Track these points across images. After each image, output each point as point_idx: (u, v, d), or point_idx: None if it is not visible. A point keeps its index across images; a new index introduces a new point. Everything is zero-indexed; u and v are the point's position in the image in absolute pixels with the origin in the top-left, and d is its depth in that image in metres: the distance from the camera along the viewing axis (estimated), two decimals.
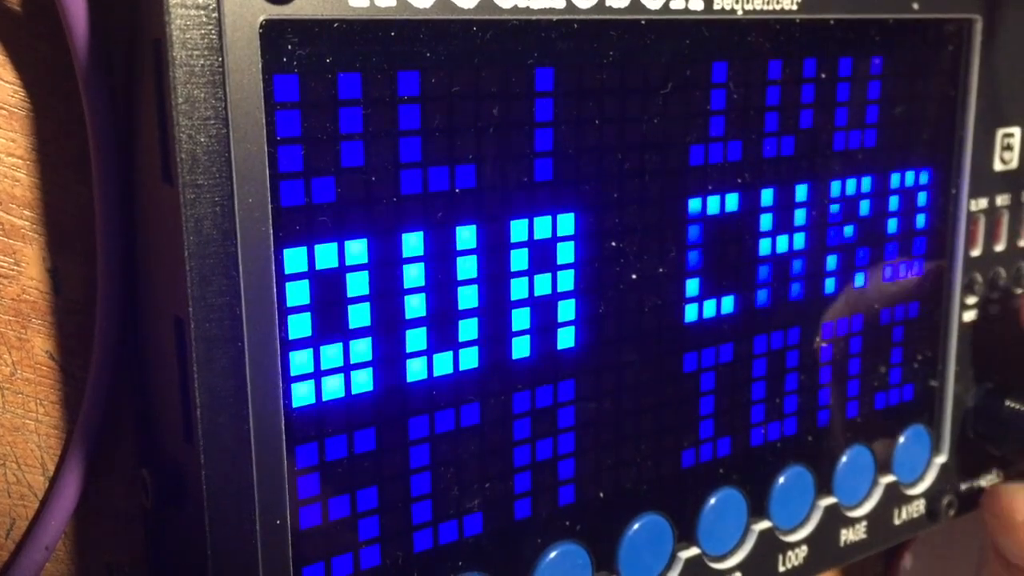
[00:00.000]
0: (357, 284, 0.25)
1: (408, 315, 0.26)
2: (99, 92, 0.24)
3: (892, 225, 0.36)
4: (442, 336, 0.26)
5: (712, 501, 0.33)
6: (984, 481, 0.40)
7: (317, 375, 0.25)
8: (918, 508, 0.39)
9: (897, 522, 0.38)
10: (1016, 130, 0.38)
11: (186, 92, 0.21)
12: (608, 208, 0.29)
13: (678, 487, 0.32)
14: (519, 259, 0.27)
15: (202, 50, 0.21)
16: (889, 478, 0.37)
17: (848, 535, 0.36)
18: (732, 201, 0.31)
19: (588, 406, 0.29)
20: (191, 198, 0.22)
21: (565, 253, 0.28)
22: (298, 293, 0.24)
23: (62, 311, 0.26)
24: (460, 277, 0.26)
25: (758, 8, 0.30)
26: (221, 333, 0.23)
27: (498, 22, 0.25)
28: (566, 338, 0.29)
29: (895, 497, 0.38)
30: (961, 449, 0.39)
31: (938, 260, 0.37)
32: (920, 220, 0.36)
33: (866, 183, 0.34)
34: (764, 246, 0.32)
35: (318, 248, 0.24)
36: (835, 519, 0.36)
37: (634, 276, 0.29)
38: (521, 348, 0.28)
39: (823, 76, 0.32)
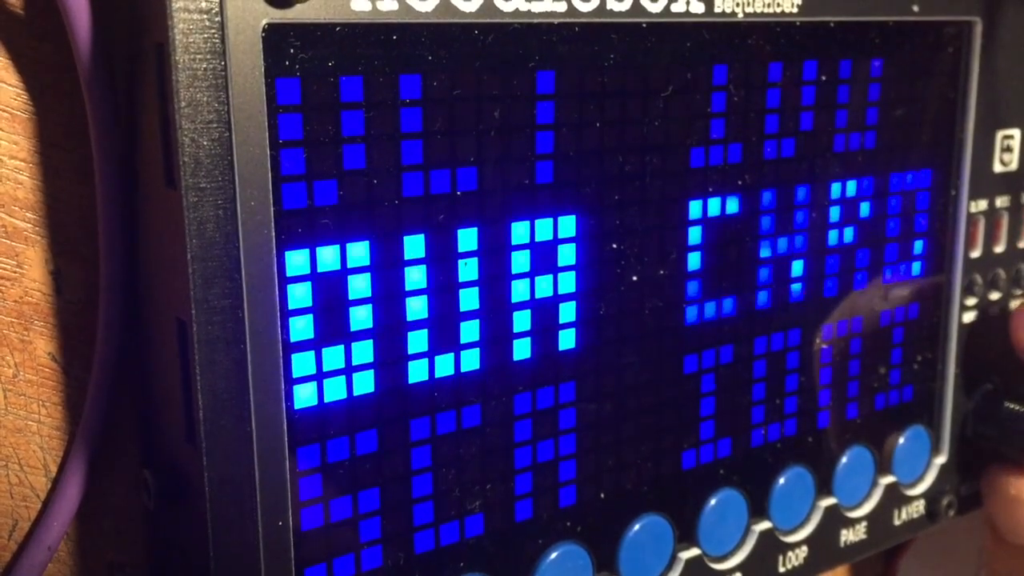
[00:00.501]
0: (359, 286, 0.25)
1: (409, 317, 0.26)
2: (102, 95, 0.24)
3: (892, 227, 0.36)
4: (443, 338, 0.26)
5: (712, 502, 0.33)
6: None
7: (319, 377, 0.25)
8: (918, 508, 0.39)
9: (897, 523, 0.38)
10: (1016, 132, 0.38)
11: (189, 96, 0.21)
12: (609, 210, 0.29)
13: (679, 488, 0.32)
14: (520, 261, 0.27)
15: (205, 54, 0.21)
16: (889, 479, 0.37)
17: (848, 536, 0.37)
18: (732, 203, 0.31)
19: (589, 407, 0.29)
20: (194, 201, 0.22)
21: (566, 255, 0.28)
22: (300, 295, 0.24)
23: (64, 313, 0.26)
24: (461, 279, 0.26)
25: (758, 11, 0.30)
26: (223, 335, 0.23)
27: (499, 25, 0.26)
28: (567, 340, 0.29)
29: (895, 498, 0.38)
30: (961, 450, 0.39)
31: (938, 261, 0.37)
32: (920, 222, 0.36)
33: (866, 185, 0.34)
34: (764, 248, 0.32)
35: (320, 250, 0.24)
36: (835, 520, 0.36)
37: (635, 278, 0.30)
38: (522, 350, 0.28)
39: (823, 78, 0.32)
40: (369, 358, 0.25)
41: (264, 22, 0.22)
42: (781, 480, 0.34)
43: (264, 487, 0.24)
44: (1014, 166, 0.38)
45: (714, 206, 0.31)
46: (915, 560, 0.47)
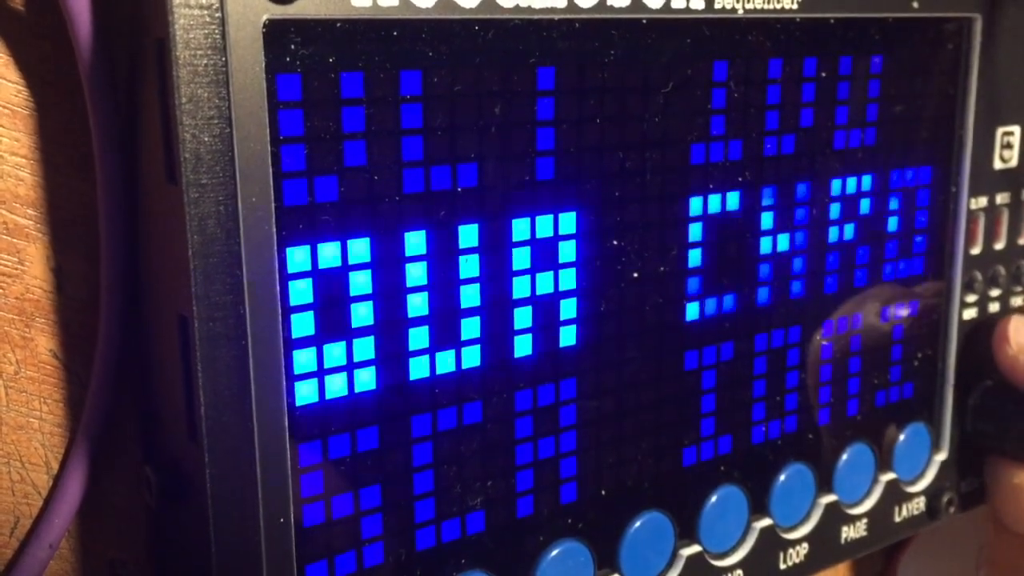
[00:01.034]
0: (360, 283, 0.25)
1: (411, 314, 0.26)
2: (103, 92, 0.24)
3: (892, 223, 0.36)
4: (444, 335, 0.26)
5: (713, 499, 0.33)
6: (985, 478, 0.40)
7: (320, 373, 0.25)
8: (918, 505, 0.39)
9: (897, 519, 0.38)
10: (1016, 128, 0.38)
11: (190, 92, 0.21)
12: (609, 207, 0.29)
13: (679, 485, 0.32)
14: (521, 258, 0.27)
15: (205, 50, 0.21)
16: (889, 476, 0.37)
17: (849, 532, 0.37)
18: (733, 200, 0.31)
19: (590, 404, 0.29)
20: (195, 197, 0.22)
21: (567, 252, 0.28)
22: (301, 292, 0.24)
23: (66, 310, 0.26)
24: (462, 276, 0.26)
25: (759, 7, 0.30)
26: (225, 331, 0.23)
27: (500, 21, 0.26)
28: (568, 336, 0.29)
29: (895, 494, 0.38)
30: (961, 447, 0.39)
31: (938, 258, 0.37)
32: (920, 219, 0.36)
33: (866, 181, 0.34)
34: (765, 244, 0.32)
35: (321, 247, 0.24)
36: (836, 516, 0.36)
37: (635, 274, 0.30)
38: (523, 346, 0.28)
39: (823, 75, 0.32)
40: (370, 355, 0.25)
41: (265, 18, 0.22)
42: (782, 477, 0.34)
43: (266, 484, 0.24)
44: (1014, 163, 0.38)
45: (714, 203, 0.31)
46: (915, 558, 0.47)
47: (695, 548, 0.32)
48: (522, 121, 0.27)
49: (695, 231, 0.31)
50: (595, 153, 0.28)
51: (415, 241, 0.25)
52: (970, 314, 0.38)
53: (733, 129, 0.31)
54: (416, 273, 0.26)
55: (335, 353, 0.25)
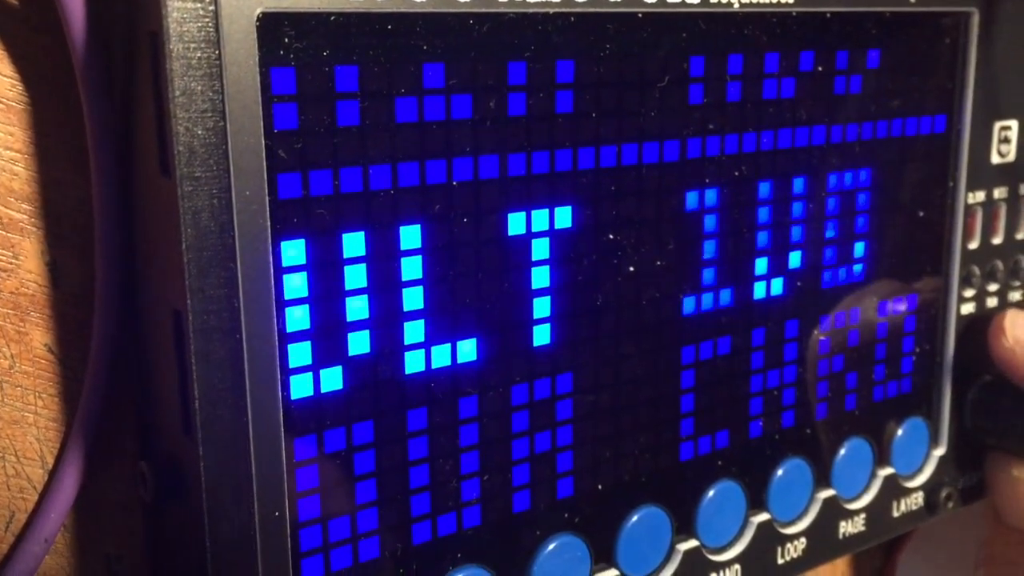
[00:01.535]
0: (355, 276, 0.25)
1: (406, 307, 0.26)
2: (97, 85, 0.24)
3: (890, 217, 0.36)
4: (440, 328, 0.26)
5: (711, 493, 0.33)
6: (983, 473, 0.40)
7: (315, 367, 0.25)
8: (916, 500, 0.39)
9: (896, 514, 0.38)
10: (1013, 123, 0.38)
11: (183, 85, 0.21)
12: (606, 201, 0.29)
13: (677, 479, 0.32)
14: (517, 252, 0.27)
15: (199, 43, 0.21)
16: (887, 470, 0.37)
17: (847, 527, 0.36)
18: (730, 193, 0.31)
19: (586, 398, 0.29)
20: (189, 191, 0.22)
21: (563, 245, 0.28)
22: (296, 285, 0.24)
23: (60, 304, 0.26)
24: (458, 270, 0.26)
25: (755, 1, 0.30)
26: (219, 325, 0.23)
27: (495, 15, 0.26)
28: (565, 330, 0.29)
29: (894, 489, 0.38)
30: (959, 442, 0.39)
31: (936, 253, 0.37)
32: (918, 213, 0.36)
33: (864, 176, 0.34)
34: (761, 238, 0.32)
35: (316, 240, 0.24)
36: (834, 511, 0.36)
37: (632, 269, 0.30)
38: (520, 341, 0.28)
39: (820, 69, 0.32)
40: (366, 348, 0.25)
41: (258, 11, 0.22)
42: (779, 472, 0.34)
43: (260, 478, 0.24)
44: (1011, 157, 0.38)
45: (711, 196, 0.31)
46: (915, 553, 0.47)
47: (692, 543, 0.32)
48: (517, 115, 0.26)
49: (692, 224, 0.31)
50: (591, 147, 0.28)
51: (410, 235, 0.25)
52: (968, 309, 0.38)
53: (730, 123, 0.31)
54: (411, 267, 0.26)
55: (330, 347, 0.25)
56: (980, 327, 0.39)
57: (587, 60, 0.27)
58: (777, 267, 0.33)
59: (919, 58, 0.35)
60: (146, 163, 0.23)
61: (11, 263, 0.25)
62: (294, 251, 0.24)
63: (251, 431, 0.23)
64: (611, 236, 0.29)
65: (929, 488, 0.39)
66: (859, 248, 0.35)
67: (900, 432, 0.38)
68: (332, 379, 0.25)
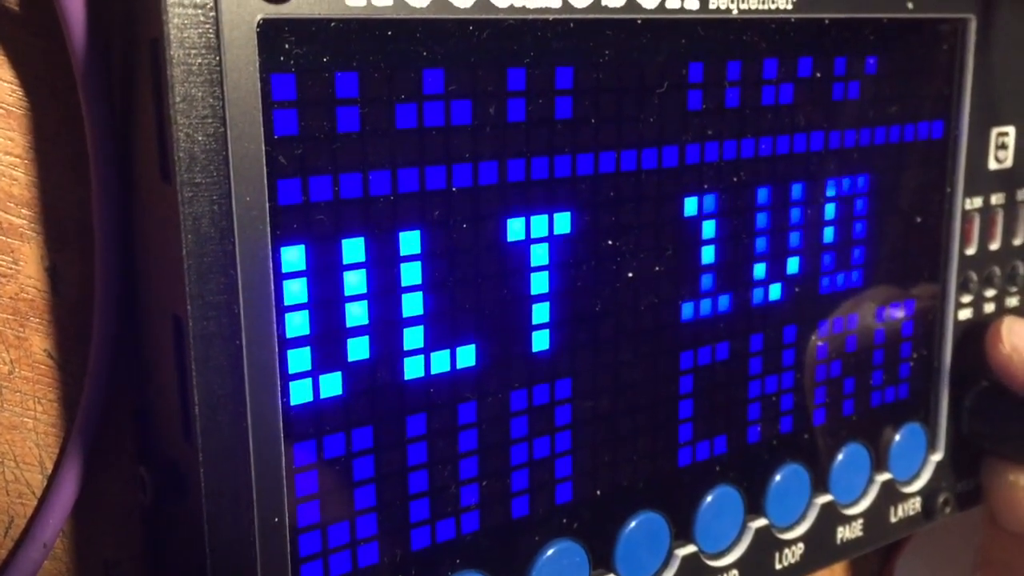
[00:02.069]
0: (354, 282, 0.25)
1: (405, 313, 0.26)
2: (97, 91, 0.24)
3: (888, 223, 0.36)
4: (439, 334, 0.26)
5: (709, 499, 0.33)
6: (980, 480, 0.40)
7: (315, 373, 0.25)
8: (914, 506, 0.39)
9: (893, 520, 0.38)
10: (1010, 129, 0.38)
11: (184, 91, 0.21)
12: (605, 207, 0.29)
13: (675, 485, 0.32)
14: (516, 257, 0.27)
15: (200, 49, 0.21)
16: (885, 476, 0.37)
17: (844, 533, 0.37)
18: (728, 199, 0.31)
19: (585, 404, 0.29)
20: (189, 196, 0.22)
21: (562, 251, 0.28)
22: (295, 291, 0.24)
23: (60, 309, 0.26)
24: (457, 275, 0.26)
25: (753, 7, 0.30)
26: (219, 331, 0.23)
27: (494, 21, 0.26)
28: (563, 336, 0.29)
29: (891, 495, 0.38)
30: (956, 447, 0.39)
31: (933, 259, 0.37)
32: (915, 219, 0.36)
33: (861, 182, 0.34)
34: (760, 244, 0.32)
35: (316, 247, 0.24)
36: (831, 517, 0.36)
37: (631, 274, 0.30)
38: (519, 346, 0.28)
39: (818, 75, 0.32)
40: (365, 354, 0.25)
41: (259, 17, 0.22)
42: (777, 477, 0.34)
43: (260, 483, 0.24)
44: (1009, 163, 0.38)
45: (710, 202, 0.31)
46: (912, 558, 0.47)
47: (690, 548, 0.32)
48: (517, 120, 0.27)
49: (691, 230, 0.31)
50: (590, 152, 0.28)
51: (410, 240, 0.25)
52: (965, 315, 0.38)
53: (728, 128, 0.31)
54: (411, 272, 0.26)
55: (329, 352, 0.25)
56: (977, 333, 0.39)
57: (586, 66, 0.27)
58: (775, 273, 0.33)
59: (917, 64, 0.35)
60: (146, 169, 0.23)
61: (11, 268, 0.25)
62: (294, 257, 0.24)
63: (251, 436, 0.23)
64: (610, 242, 0.29)
65: (926, 493, 0.39)
66: (857, 254, 0.35)
67: (898, 438, 0.38)
68: (332, 385, 0.25)
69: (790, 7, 0.31)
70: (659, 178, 0.30)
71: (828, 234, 0.34)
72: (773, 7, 0.30)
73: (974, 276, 0.38)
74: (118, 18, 0.24)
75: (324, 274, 0.24)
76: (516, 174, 0.27)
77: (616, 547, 0.31)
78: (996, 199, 0.38)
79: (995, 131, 0.38)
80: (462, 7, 0.25)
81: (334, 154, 0.24)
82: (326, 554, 0.26)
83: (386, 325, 0.25)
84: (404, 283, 0.26)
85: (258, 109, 0.22)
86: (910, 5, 0.34)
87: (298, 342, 0.24)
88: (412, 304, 0.26)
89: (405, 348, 0.26)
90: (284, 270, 0.24)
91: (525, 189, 0.27)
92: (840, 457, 0.36)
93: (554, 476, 0.29)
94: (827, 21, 0.32)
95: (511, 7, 0.26)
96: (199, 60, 0.22)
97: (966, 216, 0.37)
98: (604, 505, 0.31)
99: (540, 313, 0.28)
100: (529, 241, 0.27)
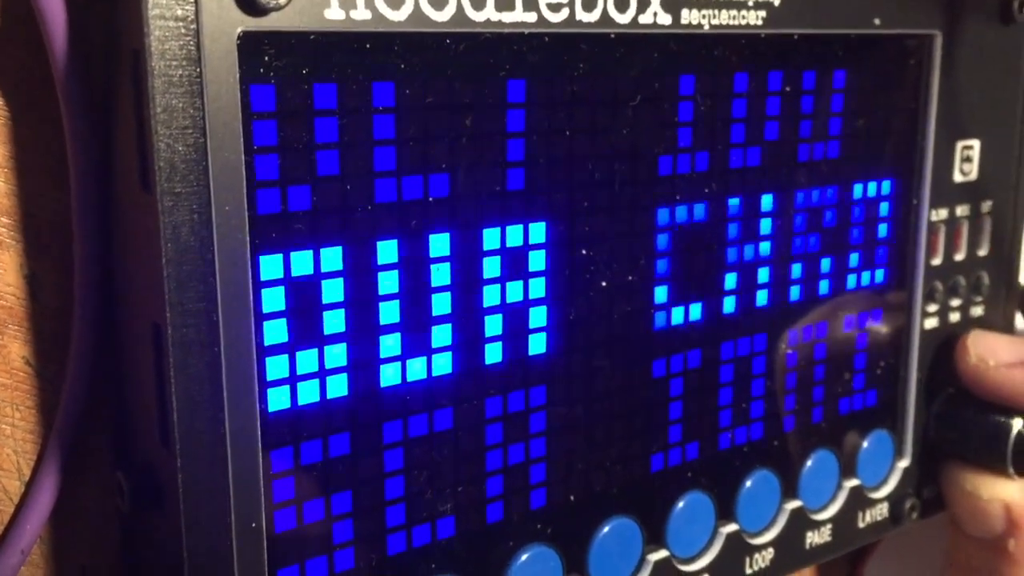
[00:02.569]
0: (332, 291, 0.25)
1: (382, 321, 0.26)
2: (78, 100, 0.24)
3: (855, 235, 0.36)
4: (416, 342, 0.27)
5: (680, 504, 0.33)
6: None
7: (293, 380, 0.25)
8: (882, 511, 0.39)
9: (861, 525, 0.39)
10: (975, 142, 0.39)
11: (164, 102, 0.22)
12: (579, 217, 0.29)
13: (647, 491, 0.33)
14: (491, 267, 0.28)
15: (180, 60, 0.22)
16: (853, 482, 0.38)
17: (814, 537, 0.37)
18: (700, 210, 0.32)
19: (559, 411, 0.30)
20: (169, 206, 0.22)
21: (537, 261, 0.29)
22: (274, 299, 0.24)
23: (39, 317, 0.26)
24: (434, 284, 0.27)
25: (724, 23, 0.31)
26: (198, 339, 0.23)
27: (471, 35, 0.26)
28: (538, 344, 0.29)
29: (859, 500, 0.38)
30: (923, 453, 0.40)
31: (900, 269, 0.38)
32: (882, 230, 0.37)
33: (830, 193, 0.35)
34: (731, 254, 0.33)
35: (294, 255, 0.24)
36: (801, 522, 0.37)
37: (604, 284, 0.30)
38: (494, 354, 0.28)
39: (788, 89, 0.33)
40: (342, 362, 0.26)
41: (239, 30, 0.22)
42: (748, 483, 0.35)
43: (238, 489, 0.24)
44: (974, 176, 0.39)
45: (682, 213, 0.31)
46: (880, 563, 0.48)
47: (663, 553, 0.33)
48: (492, 132, 0.27)
49: (663, 241, 0.31)
50: (564, 164, 0.29)
51: (387, 250, 0.26)
52: (931, 323, 0.39)
53: (700, 141, 0.31)
54: (388, 281, 0.26)
55: (307, 360, 0.25)
56: (943, 341, 0.40)
57: (561, 79, 0.28)
58: (746, 282, 0.34)
59: (884, 79, 0.36)
60: (126, 178, 0.24)
61: None
62: (272, 266, 0.24)
63: (228, 443, 0.24)
64: (583, 252, 0.29)
65: (894, 499, 0.39)
66: (825, 264, 0.36)
67: (865, 444, 0.38)
68: (309, 392, 0.25)
69: (760, 23, 0.31)
70: (632, 189, 0.30)
71: (797, 244, 0.35)
72: (744, 23, 0.31)
73: (940, 286, 0.39)
74: (99, 29, 0.24)
75: (302, 283, 0.25)
76: (492, 184, 0.27)
77: (589, 552, 0.31)
78: (961, 211, 0.39)
79: (960, 144, 0.38)
80: (439, 21, 0.25)
81: (312, 164, 0.24)
82: (303, 559, 0.26)
83: (363, 333, 0.26)
84: (381, 292, 0.26)
85: (238, 120, 0.23)
86: (877, 21, 0.35)
87: (276, 349, 0.24)
88: (389, 312, 0.26)
89: (382, 356, 0.26)
90: (263, 278, 0.24)
91: (501, 199, 0.28)
92: (809, 463, 0.37)
93: (528, 482, 0.30)
94: (796, 36, 0.33)
95: (487, 21, 0.26)
96: (180, 71, 0.22)
97: (932, 227, 0.38)
98: (578, 511, 0.31)
99: (516, 322, 0.28)
100: (504, 251, 0.28)
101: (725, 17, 0.31)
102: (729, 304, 0.33)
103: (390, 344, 0.26)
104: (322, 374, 0.25)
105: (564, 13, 0.27)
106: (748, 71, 0.32)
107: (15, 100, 0.25)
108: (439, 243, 0.27)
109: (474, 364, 0.28)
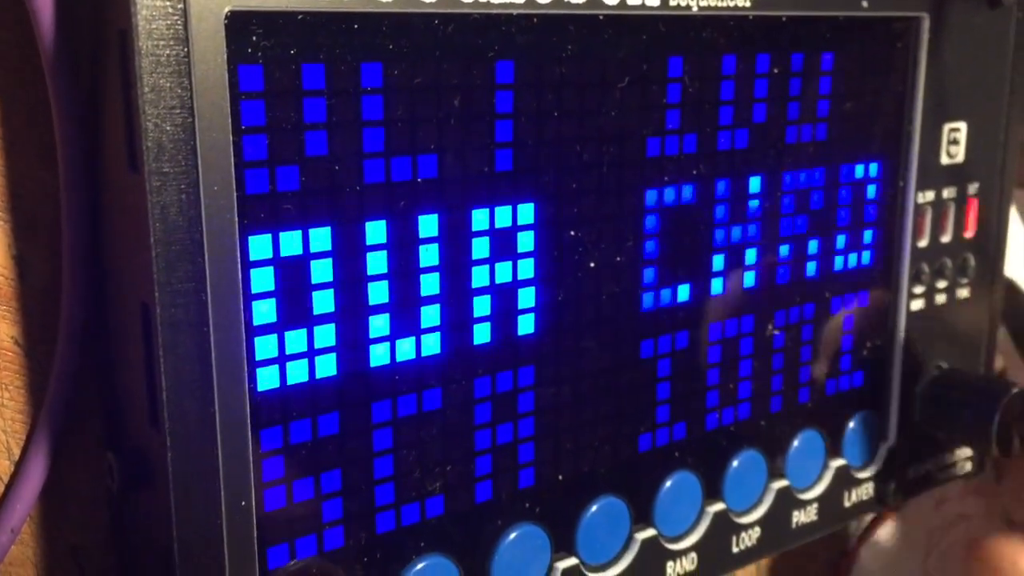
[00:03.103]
0: (321, 271, 0.25)
1: (371, 301, 0.26)
2: (65, 81, 0.24)
3: (842, 216, 0.37)
4: (405, 322, 0.27)
5: (668, 484, 0.34)
6: (931, 465, 0.42)
7: (282, 360, 0.25)
8: (867, 491, 0.40)
9: (847, 504, 0.39)
10: (962, 125, 0.39)
11: (152, 81, 0.22)
12: (567, 198, 0.29)
13: (635, 470, 0.33)
14: (480, 247, 0.28)
15: (168, 40, 0.22)
16: (839, 462, 0.38)
17: (800, 517, 0.38)
18: (687, 192, 0.32)
19: (547, 391, 0.30)
20: (157, 186, 0.22)
21: (525, 242, 0.29)
22: (263, 279, 0.24)
23: (28, 297, 0.26)
24: (422, 264, 0.27)
25: (712, 5, 0.31)
26: (187, 319, 0.23)
27: (459, 16, 0.26)
28: (526, 325, 0.29)
29: (845, 480, 0.39)
30: (908, 434, 0.40)
31: (886, 251, 0.38)
32: (869, 212, 0.37)
33: (817, 175, 0.35)
34: (719, 236, 0.33)
35: (282, 235, 0.24)
36: (787, 501, 0.37)
37: (592, 264, 0.30)
38: (482, 334, 0.28)
39: (776, 71, 0.33)
40: (331, 342, 0.26)
41: (227, 9, 0.22)
42: (735, 463, 0.35)
43: (227, 468, 0.24)
44: (960, 158, 0.39)
45: (670, 195, 0.32)
46: (871, 554, 0.48)
47: (650, 532, 0.33)
48: (481, 113, 0.27)
49: (650, 222, 0.31)
50: (553, 146, 0.29)
51: (376, 230, 0.26)
52: (917, 305, 0.39)
53: (688, 123, 0.31)
54: (377, 262, 0.26)
55: (296, 340, 0.25)
56: (929, 322, 0.40)
57: (550, 60, 0.28)
58: (734, 264, 0.34)
59: (871, 61, 0.36)
60: (114, 158, 0.24)
61: None
62: (261, 246, 0.24)
63: (218, 422, 0.24)
64: (572, 233, 0.30)
65: (879, 479, 0.40)
66: (813, 245, 0.36)
67: (851, 425, 0.39)
68: (298, 371, 0.25)
69: (748, 5, 0.31)
70: (620, 171, 0.30)
71: (785, 225, 0.35)
72: (732, 5, 0.31)
73: (926, 268, 0.39)
74: (87, 9, 0.24)
75: (291, 262, 0.25)
76: (480, 165, 0.27)
77: (578, 531, 0.32)
78: (948, 193, 0.39)
79: (947, 127, 0.39)
80: (428, 1, 0.25)
81: (301, 145, 0.24)
82: (292, 537, 0.26)
83: (352, 313, 0.26)
84: (370, 272, 0.26)
85: (226, 100, 0.23)
86: (865, 4, 0.35)
87: (265, 329, 0.25)
88: (378, 292, 0.26)
89: (371, 336, 0.26)
90: (252, 258, 0.24)
91: (489, 180, 0.28)
92: (796, 443, 0.37)
93: (517, 462, 0.30)
94: (784, 19, 0.33)
95: (476, 2, 0.26)
96: (167, 51, 0.22)
97: (919, 209, 0.38)
98: (566, 490, 0.31)
99: (504, 302, 0.29)
100: (493, 232, 0.28)
101: None
102: (716, 285, 0.33)
103: (379, 324, 0.26)
104: (311, 354, 0.25)
105: None
106: (736, 53, 0.32)
107: (2, 81, 0.25)
108: (428, 224, 0.27)
109: (463, 344, 0.28)
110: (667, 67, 0.30)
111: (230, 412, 0.24)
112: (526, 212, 0.29)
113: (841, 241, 0.37)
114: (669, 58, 0.30)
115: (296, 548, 0.26)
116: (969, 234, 0.41)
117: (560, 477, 0.31)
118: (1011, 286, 0.44)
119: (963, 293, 0.41)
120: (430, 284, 0.27)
